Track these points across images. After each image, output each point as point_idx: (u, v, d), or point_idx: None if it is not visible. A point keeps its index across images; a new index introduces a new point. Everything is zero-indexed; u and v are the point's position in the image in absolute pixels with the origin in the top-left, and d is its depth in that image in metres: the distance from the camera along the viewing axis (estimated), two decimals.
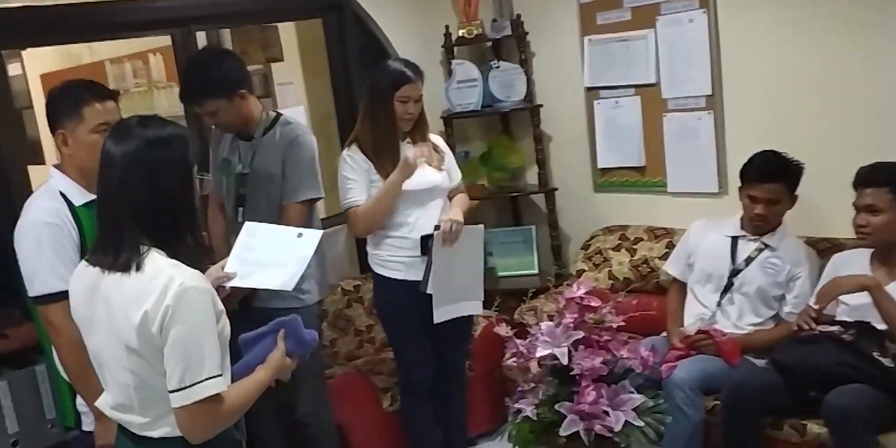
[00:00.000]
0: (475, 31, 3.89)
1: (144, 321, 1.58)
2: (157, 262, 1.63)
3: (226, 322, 1.71)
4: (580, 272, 3.74)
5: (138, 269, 1.62)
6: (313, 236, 2.13)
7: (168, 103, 4.69)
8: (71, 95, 2.20)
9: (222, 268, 1.98)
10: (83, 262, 1.73)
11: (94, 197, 1.93)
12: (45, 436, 2.39)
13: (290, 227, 2.29)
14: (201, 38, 3.57)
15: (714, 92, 3.44)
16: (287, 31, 4.44)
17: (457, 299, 2.89)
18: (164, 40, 3.50)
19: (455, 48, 3.96)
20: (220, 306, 1.70)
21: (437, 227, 2.82)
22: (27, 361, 2.52)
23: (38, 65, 5.25)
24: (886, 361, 2.56)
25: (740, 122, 3.41)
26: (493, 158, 4.00)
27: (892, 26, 2.95)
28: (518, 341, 2.68)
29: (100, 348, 1.70)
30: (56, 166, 2.25)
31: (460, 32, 3.91)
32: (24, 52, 4.74)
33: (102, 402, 1.75)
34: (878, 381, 2.54)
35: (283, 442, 2.95)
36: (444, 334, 2.95)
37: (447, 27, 3.92)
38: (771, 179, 2.96)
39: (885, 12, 2.96)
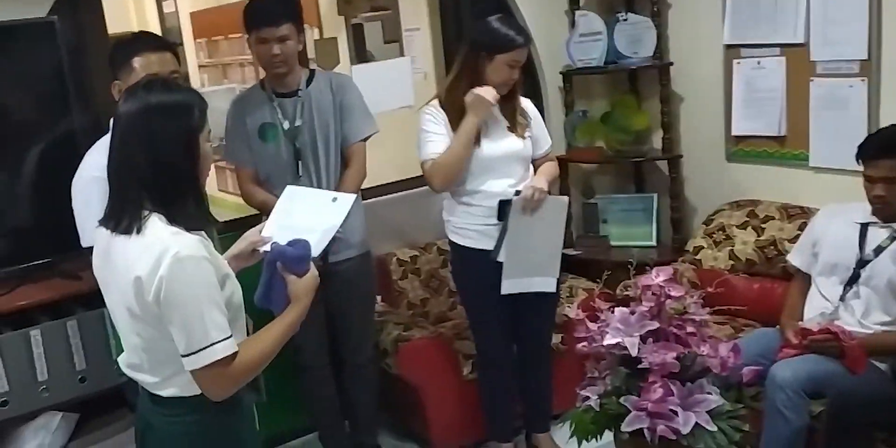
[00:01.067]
0: None
1: (139, 288, 1.57)
2: (156, 228, 1.60)
3: (235, 285, 1.69)
4: (697, 249, 3.42)
5: (139, 232, 1.60)
6: (346, 200, 2.04)
7: None
8: (125, 46, 2.20)
9: (259, 231, 1.94)
10: (99, 224, 1.73)
11: None
12: (109, 375, 2.46)
13: (326, 192, 2.26)
14: None
15: (871, 56, 3.00)
16: None
17: (530, 273, 2.74)
18: None
19: None
20: (226, 270, 1.68)
21: (517, 193, 2.65)
22: (98, 303, 2.57)
23: (188, 3, 5.43)
24: None
25: None
26: (615, 119, 3.69)
27: None
28: (590, 325, 2.47)
29: (112, 309, 1.73)
30: None
31: None
32: None
33: (121, 360, 1.78)
34: None
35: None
36: (523, 307, 2.81)
37: None
38: (887, 155, 2.58)
39: None
